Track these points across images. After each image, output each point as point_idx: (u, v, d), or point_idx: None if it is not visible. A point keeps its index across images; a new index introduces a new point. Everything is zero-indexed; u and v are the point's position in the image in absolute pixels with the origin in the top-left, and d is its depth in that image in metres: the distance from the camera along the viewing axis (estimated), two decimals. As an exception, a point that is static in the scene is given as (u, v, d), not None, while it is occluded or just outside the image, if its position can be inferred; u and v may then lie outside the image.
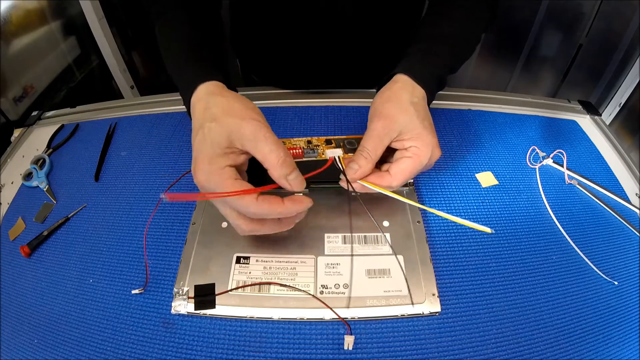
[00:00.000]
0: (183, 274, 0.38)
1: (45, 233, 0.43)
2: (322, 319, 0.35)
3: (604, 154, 0.53)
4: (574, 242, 0.42)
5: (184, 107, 0.40)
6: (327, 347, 0.34)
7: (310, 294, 0.36)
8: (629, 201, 0.46)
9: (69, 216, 0.45)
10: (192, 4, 0.47)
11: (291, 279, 0.37)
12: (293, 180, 0.33)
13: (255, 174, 0.36)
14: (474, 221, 0.43)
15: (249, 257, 0.39)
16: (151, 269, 0.39)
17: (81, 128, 0.58)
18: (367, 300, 0.36)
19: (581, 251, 0.41)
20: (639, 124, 0.77)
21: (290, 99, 0.60)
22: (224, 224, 0.42)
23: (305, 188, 0.44)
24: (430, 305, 0.36)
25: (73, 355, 0.34)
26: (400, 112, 0.36)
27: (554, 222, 0.44)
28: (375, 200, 0.44)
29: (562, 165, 0.49)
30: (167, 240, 0.42)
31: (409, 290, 0.37)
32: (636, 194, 0.48)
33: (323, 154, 0.40)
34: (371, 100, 0.40)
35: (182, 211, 0.44)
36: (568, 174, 0.48)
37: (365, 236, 0.41)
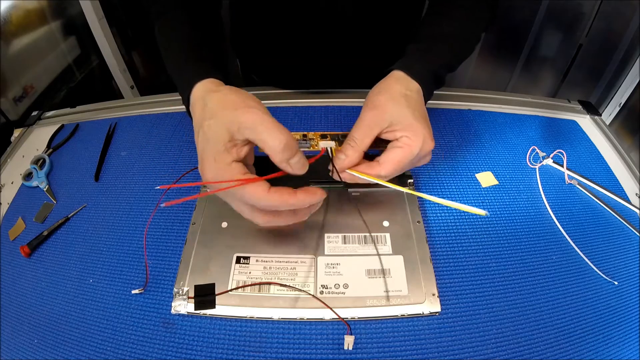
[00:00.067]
0: (183, 274, 0.38)
1: (45, 233, 0.43)
2: (322, 319, 0.35)
3: (604, 154, 0.53)
4: (574, 242, 0.42)
5: (184, 107, 0.40)
6: (327, 347, 0.34)
7: (310, 294, 0.36)
8: (629, 201, 0.46)
9: (69, 216, 0.45)
10: (192, 4, 0.47)
11: (291, 279, 0.37)
12: (295, 164, 0.32)
13: (262, 170, 0.35)
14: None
15: (249, 257, 0.39)
16: (151, 269, 0.39)
17: (81, 128, 0.58)
18: (367, 300, 0.36)
19: (581, 251, 0.41)
20: (639, 124, 0.77)
21: (290, 99, 0.60)
22: (224, 224, 0.42)
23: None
24: (430, 305, 0.36)
25: (73, 355, 0.34)
26: (391, 103, 0.36)
27: (554, 222, 0.44)
28: (375, 200, 0.44)
29: (562, 165, 0.49)
30: (167, 240, 0.42)
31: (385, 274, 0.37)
32: (636, 194, 0.48)
33: (317, 146, 0.40)
34: None
35: (182, 211, 0.44)
36: (568, 174, 0.48)
37: (365, 236, 0.41)
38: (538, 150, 0.50)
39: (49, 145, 0.55)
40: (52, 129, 0.58)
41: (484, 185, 0.47)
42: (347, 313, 0.35)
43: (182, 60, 0.41)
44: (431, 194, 0.46)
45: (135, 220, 0.44)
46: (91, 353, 0.34)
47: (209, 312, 0.36)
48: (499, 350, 0.34)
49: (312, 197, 0.34)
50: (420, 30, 0.46)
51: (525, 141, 0.53)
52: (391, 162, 0.35)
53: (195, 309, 0.36)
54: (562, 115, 0.59)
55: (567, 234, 0.42)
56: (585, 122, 0.59)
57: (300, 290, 0.37)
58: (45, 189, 0.48)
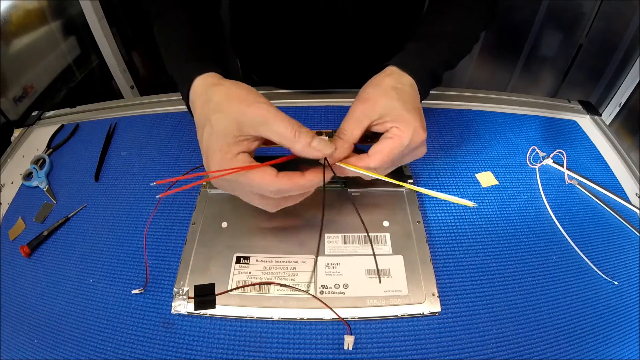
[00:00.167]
0: (183, 274, 0.38)
1: (45, 233, 0.43)
2: (322, 319, 0.35)
3: (604, 154, 0.53)
4: (574, 242, 0.42)
5: (184, 107, 0.40)
6: (327, 347, 0.34)
7: (310, 294, 0.36)
8: (629, 201, 0.46)
9: (69, 216, 0.45)
10: (191, 4, 0.47)
11: (291, 279, 0.37)
12: (318, 145, 0.32)
13: None
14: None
15: (249, 257, 0.39)
16: (151, 269, 0.39)
17: (81, 128, 0.58)
18: (367, 300, 0.36)
19: (581, 251, 0.41)
20: (639, 124, 0.77)
21: (290, 99, 0.60)
22: (224, 224, 0.42)
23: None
24: (430, 305, 0.36)
25: (73, 355, 0.34)
26: (381, 96, 0.36)
27: (554, 222, 0.44)
28: (375, 200, 0.44)
29: (562, 165, 0.49)
30: (167, 240, 0.42)
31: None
32: (636, 194, 0.48)
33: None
34: None
35: (182, 211, 0.44)
36: (568, 174, 0.48)
37: (365, 236, 0.41)
38: (538, 150, 0.50)
39: (49, 145, 0.55)
40: (52, 129, 0.58)
41: (484, 185, 0.47)
42: (347, 313, 0.35)
43: (181, 59, 0.41)
44: (437, 191, 0.46)
45: (135, 220, 0.44)
46: (91, 353, 0.34)
47: (209, 312, 0.36)
48: (499, 350, 0.34)
49: (320, 175, 0.33)
50: (420, 28, 0.46)
51: (525, 141, 0.53)
52: (380, 153, 0.35)
53: (195, 309, 0.36)
54: (562, 115, 0.59)
55: (567, 234, 0.42)
56: (585, 122, 0.59)
57: (300, 290, 0.37)
58: (45, 189, 0.48)
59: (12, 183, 0.51)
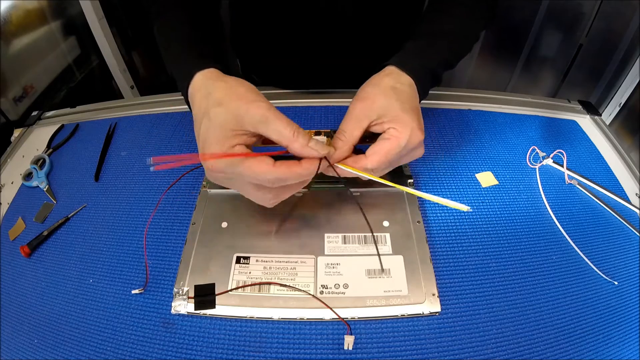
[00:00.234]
0: (183, 274, 0.38)
1: (45, 233, 0.43)
2: (322, 319, 0.35)
3: (604, 154, 0.53)
4: (574, 242, 0.42)
5: (184, 107, 0.40)
6: (327, 347, 0.34)
7: (310, 294, 0.36)
8: (629, 201, 0.46)
9: (69, 216, 0.45)
10: (191, 4, 0.47)
11: (291, 279, 0.37)
12: (315, 145, 0.32)
13: None
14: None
15: (249, 257, 0.39)
16: (151, 269, 0.39)
17: (81, 128, 0.58)
18: (367, 300, 0.36)
19: (581, 251, 0.41)
20: (639, 124, 0.77)
21: (290, 99, 0.60)
22: (224, 224, 0.42)
23: (305, 188, 0.44)
24: (430, 305, 0.36)
25: (73, 355, 0.34)
26: (379, 95, 0.36)
27: (554, 222, 0.44)
28: (375, 200, 0.44)
29: (562, 165, 0.49)
30: (167, 240, 0.42)
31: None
32: (636, 194, 0.48)
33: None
34: None
35: (182, 211, 0.44)
36: (568, 174, 0.48)
37: (365, 236, 0.41)
38: (538, 150, 0.50)
39: (49, 145, 0.55)
40: (52, 129, 0.58)
41: (484, 185, 0.47)
42: (347, 313, 0.35)
43: (182, 57, 0.41)
44: (431, 194, 0.46)
45: (135, 220, 0.44)
46: (91, 353, 0.34)
47: (209, 312, 0.36)
48: (499, 350, 0.34)
49: (316, 163, 0.33)
50: (419, 27, 0.46)
51: (525, 141, 0.53)
52: (377, 154, 0.35)
53: (195, 309, 0.36)
54: (562, 115, 0.59)
55: (567, 234, 0.42)
56: (585, 122, 0.59)
57: (300, 290, 0.37)
58: (45, 189, 0.48)
59: (12, 183, 0.51)
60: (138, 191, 0.47)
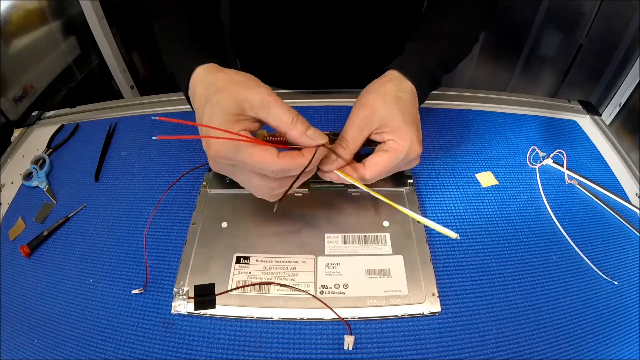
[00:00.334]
0: (183, 274, 0.38)
1: (45, 233, 0.43)
2: (322, 319, 0.35)
3: (604, 154, 0.53)
4: (574, 242, 0.42)
5: (184, 107, 0.40)
6: (327, 347, 0.34)
7: (310, 294, 0.36)
8: (629, 201, 0.46)
9: (69, 216, 0.45)
10: (191, 4, 0.47)
11: (291, 279, 0.37)
12: (313, 134, 0.32)
13: None
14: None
15: (249, 257, 0.39)
16: (151, 269, 0.39)
17: (81, 128, 0.58)
18: (367, 300, 0.36)
19: (581, 251, 0.41)
20: (639, 124, 0.77)
21: (290, 99, 0.60)
22: (224, 224, 0.42)
23: (305, 188, 0.44)
24: (430, 305, 0.36)
25: (73, 355, 0.34)
26: (382, 104, 0.36)
27: (554, 222, 0.44)
28: (375, 200, 0.44)
29: (562, 165, 0.49)
30: (167, 240, 0.42)
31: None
32: (636, 194, 0.48)
33: None
34: None
35: (182, 211, 0.44)
36: (568, 174, 0.48)
37: (365, 236, 0.41)
38: (538, 150, 0.50)
39: (49, 145, 0.55)
40: (52, 129, 0.58)
41: (484, 185, 0.47)
42: (347, 313, 0.35)
43: (181, 55, 0.41)
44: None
45: (135, 220, 0.44)
46: (91, 353, 0.34)
47: (209, 312, 0.36)
48: (499, 350, 0.34)
49: (319, 153, 0.33)
50: (419, 28, 0.46)
51: (525, 141, 0.53)
52: (376, 165, 0.36)
53: (195, 309, 0.36)
54: (562, 115, 0.59)
55: (567, 234, 0.42)
56: (585, 122, 0.59)
57: (300, 290, 0.37)
58: (45, 189, 0.48)
59: (12, 183, 0.51)
60: (138, 191, 0.47)
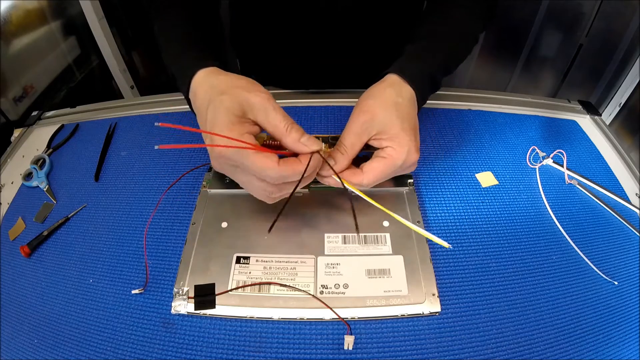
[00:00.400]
0: (183, 274, 0.38)
1: (45, 233, 0.43)
2: (322, 319, 0.35)
3: (604, 154, 0.53)
4: (574, 242, 0.42)
5: (184, 107, 0.40)
6: (327, 347, 0.34)
7: (310, 294, 0.36)
8: (629, 201, 0.46)
9: (69, 216, 0.45)
10: (191, 4, 0.47)
11: (291, 279, 0.37)
12: (307, 141, 0.33)
13: None
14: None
15: (249, 257, 0.39)
16: (151, 269, 0.39)
17: (81, 128, 0.58)
18: (367, 300, 0.36)
19: (581, 251, 0.41)
20: (639, 124, 0.77)
21: (290, 99, 0.60)
22: (224, 224, 0.42)
23: (305, 188, 0.44)
24: (430, 305, 0.36)
25: (73, 355, 0.34)
26: (381, 110, 0.36)
27: (554, 222, 0.44)
28: (375, 200, 0.44)
29: (562, 165, 0.49)
30: (167, 240, 0.42)
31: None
32: (636, 194, 0.48)
33: None
34: None
35: (182, 211, 0.44)
36: (568, 174, 0.48)
37: (365, 236, 0.41)
38: (538, 150, 0.50)
39: (49, 145, 0.55)
40: (52, 129, 0.58)
41: (484, 185, 0.47)
42: (347, 313, 0.35)
43: (182, 56, 0.41)
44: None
45: (135, 220, 0.44)
46: (91, 353, 0.34)
47: (209, 312, 0.36)
48: (499, 350, 0.34)
49: (317, 161, 0.34)
50: (418, 29, 0.46)
51: (525, 141, 0.53)
52: (373, 171, 0.36)
53: (195, 309, 0.36)
54: (562, 115, 0.59)
55: (567, 234, 0.42)
56: (585, 122, 0.59)
57: (300, 290, 0.37)
58: (45, 189, 0.48)
59: (12, 183, 0.51)
60: (138, 191, 0.47)
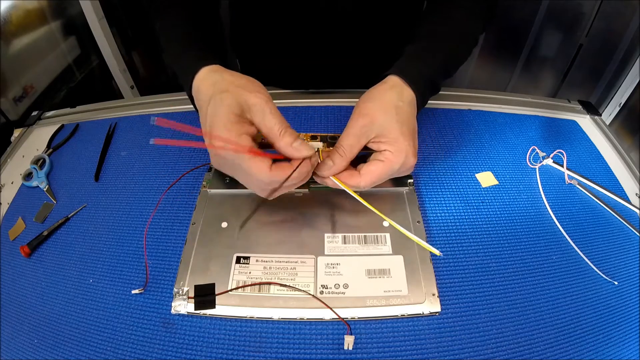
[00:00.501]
0: (183, 274, 0.38)
1: (45, 233, 0.43)
2: (322, 319, 0.35)
3: (604, 154, 0.53)
4: (574, 242, 0.42)
5: (184, 107, 0.40)
6: (327, 347, 0.34)
7: (310, 294, 0.36)
8: (629, 201, 0.46)
9: (69, 216, 0.45)
10: (191, 3, 0.47)
11: (291, 279, 0.37)
12: (299, 146, 0.34)
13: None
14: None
15: (249, 257, 0.39)
16: (151, 269, 0.39)
17: (81, 128, 0.58)
18: (367, 300, 0.36)
19: (581, 251, 0.41)
20: (639, 124, 0.77)
21: (290, 99, 0.60)
22: (224, 224, 0.42)
23: (305, 188, 0.44)
24: (430, 305, 0.36)
25: (73, 355, 0.34)
26: (381, 113, 0.37)
27: (554, 222, 0.44)
28: (375, 200, 0.44)
29: (562, 165, 0.49)
30: (167, 240, 0.42)
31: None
32: (636, 194, 0.48)
33: None
34: None
35: (182, 211, 0.44)
36: (568, 174, 0.48)
37: (365, 236, 0.41)
38: (538, 150, 0.50)
39: (49, 145, 0.55)
40: (52, 129, 0.58)
41: (484, 185, 0.47)
42: (347, 313, 0.35)
43: (184, 55, 0.42)
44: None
45: (135, 220, 0.44)
46: (91, 353, 0.34)
47: (209, 312, 0.36)
48: (499, 350, 0.34)
49: (308, 165, 0.35)
50: (418, 30, 0.46)
51: (525, 141, 0.53)
52: (370, 174, 0.37)
53: (195, 309, 0.36)
54: (562, 115, 0.59)
55: (567, 234, 0.42)
56: (585, 122, 0.59)
57: (300, 290, 0.37)
58: (45, 189, 0.48)
59: (12, 183, 0.51)
60: (138, 191, 0.47)
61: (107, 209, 0.46)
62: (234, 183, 0.38)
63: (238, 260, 0.39)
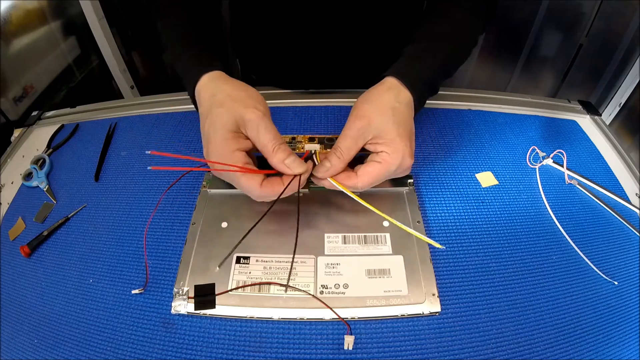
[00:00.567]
0: (183, 274, 0.38)
1: (45, 233, 0.43)
2: (322, 319, 0.35)
3: (604, 154, 0.53)
4: (574, 242, 0.42)
5: (184, 107, 0.41)
6: (327, 347, 0.34)
7: (310, 294, 0.36)
8: (629, 201, 0.46)
9: (69, 216, 0.45)
10: (191, 3, 0.47)
11: (291, 279, 0.37)
12: (291, 163, 0.35)
13: (264, 166, 0.38)
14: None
15: (249, 257, 0.39)
16: (151, 269, 0.39)
17: (81, 128, 0.58)
18: (367, 300, 0.36)
19: (581, 251, 0.41)
20: (639, 124, 0.77)
21: (290, 99, 0.60)
22: (224, 224, 0.42)
23: (305, 188, 0.44)
24: (430, 305, 0.36)
25: (73, 355, 0.34)
26: (377, 115, 0.37)
27: (554, 222, 0.44)
28: (375, 200, 0.44)
29: (562, 165, 0.49)
30: (167, 240, 0.42)
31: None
32: (636, 194, 0.48)
33: (303, 148, 0.43)
34: None
35: (182, 211, 0.44)
36: (568, 174, 0.48)
37: (365, 236, 0.41)
38: (538, 150, 0.50)
39: (49, 145, 0.55)
40: (52, 129, 0.58)
41: (484, 185, 0.47)
42: (347, 313, 0.35)
43: (185, 54, 0.42)
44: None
45: (135, 220, 0.44)
46: (91, 353, 0.34)
47: (209, 312, 0.36)
48: (499, 350, 0.34)
49: (297, 183, 0.36)
50: (418, 30, 0.46)
51: (525, 141, 0.53)
52: (367, 175, 0.37)
53: (195, 309, 0.36)
54: (562, 115, 0.59)
55: (567, 234, 0.42)
56: (585, 122, 0.59)
57: (300, 290, 0.37)
58: (45, 189, 0.48)
59: (12, 183, 0.51)
60: (138, 191, 0.47)
61: (107, 209, 0.46)
62: (234, 183, 0.38)
63: (238, 260, 0.39)
